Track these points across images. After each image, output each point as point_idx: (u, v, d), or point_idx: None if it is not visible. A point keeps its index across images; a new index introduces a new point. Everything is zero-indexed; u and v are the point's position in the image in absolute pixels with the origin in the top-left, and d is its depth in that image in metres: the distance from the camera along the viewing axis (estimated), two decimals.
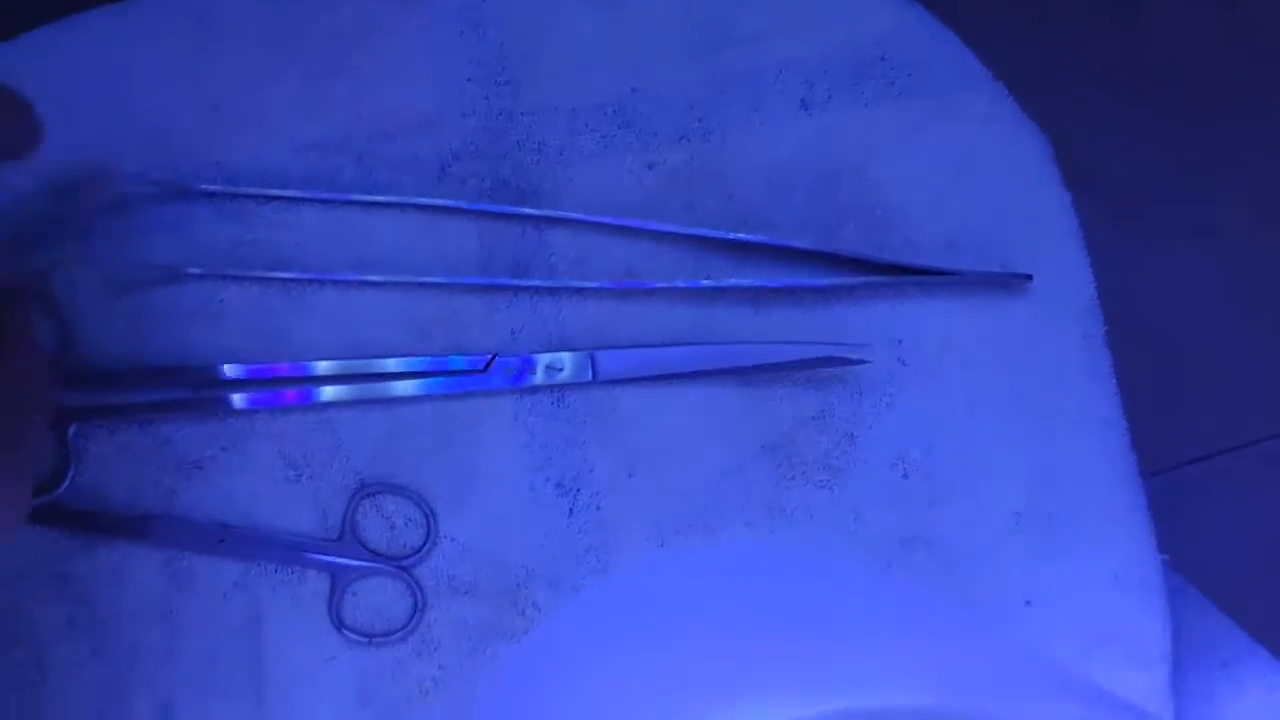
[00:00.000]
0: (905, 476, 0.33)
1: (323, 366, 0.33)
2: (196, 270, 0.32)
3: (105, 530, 0.32)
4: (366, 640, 0.32)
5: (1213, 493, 0.81)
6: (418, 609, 0.32)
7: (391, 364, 0.33)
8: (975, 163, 0.35)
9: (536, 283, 0.33)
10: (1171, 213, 0.80)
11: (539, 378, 0.33)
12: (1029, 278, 0.33)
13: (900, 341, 0.34)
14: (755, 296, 0.34)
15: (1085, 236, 0.35)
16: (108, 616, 0.32)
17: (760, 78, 0.35)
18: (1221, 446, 0.81)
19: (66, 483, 0.32)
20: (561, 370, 0.33)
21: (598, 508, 0.33)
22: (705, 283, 0.33)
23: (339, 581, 0.32)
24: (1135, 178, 0.79)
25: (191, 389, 0.32)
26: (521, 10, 0.34)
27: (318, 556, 0.32)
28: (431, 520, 0.33)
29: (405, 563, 0.32)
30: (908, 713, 0.31)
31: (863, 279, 0.33)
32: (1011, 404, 0.34)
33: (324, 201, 0.33)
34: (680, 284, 0.33)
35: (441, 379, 0.33)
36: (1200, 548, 0.75)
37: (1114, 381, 0.34)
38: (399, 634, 0.32)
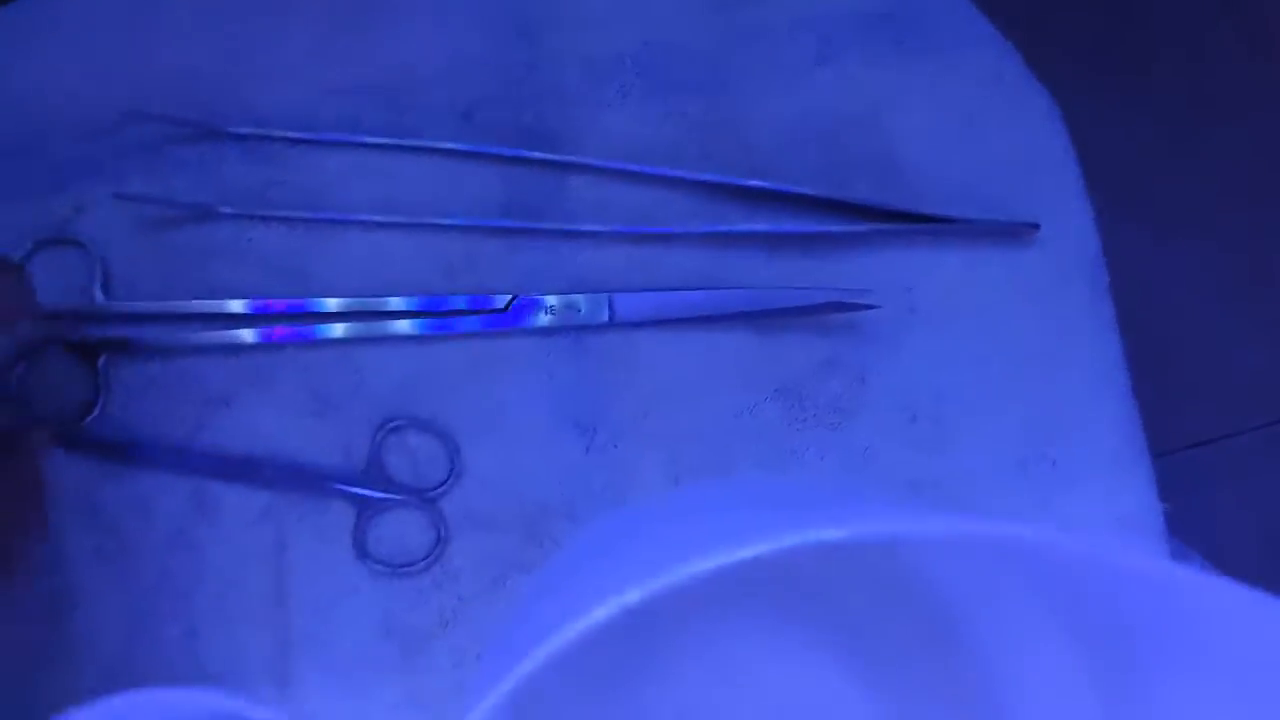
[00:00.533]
0: (914, 420, 0.34)
1: (347, 304, 0.34)
2: (226, 210, 0.33)
3: (133, 460, 0.33)
4: (389, 571, 0.33)
5: (1214, 476, 0.82)
6: (439, 541, 0.33)
7: (414, 303, 0.34)
8: (982, 118, 0.35)
9: (556, 226, 0.34)
10: (1176, 202, 0.81)
11: (558, 319, 0.34)
12: (1036, 227, 0.34)
13: (909, 289, 0.35)
14: (768, 243, 0.35)
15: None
16: (135, 545, 0.33)
17: (776, 33, 0.36)
18: (1224, 431, 0.82)
19: (95, 413, 0.33)
20: (580, 312, 0.34)
21: (614, 446, 0.34)
22: (720, 228, 0.34)
23: (363, 513, 0.33)
24: (1141, 167, 0.80)
25: (219, 325, 0.33)
26: None
27: (342, 488, 0.33)
28: (454, 455, 0.34)
29: (428, 496, 0.33)
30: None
31: (873, 227, 0.34)
32: (1017, 351, 0.35)
33: (349, 145, 0.34)
34: (696, 229, 0.34)
35: (463, 318, 0.34)
36: (1202, 530, 0.76)
37: (1117, 331, 0.35)
38: (420, 565, 0.33)
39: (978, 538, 0.20)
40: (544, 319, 0.34)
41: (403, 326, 0.34)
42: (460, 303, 0.34)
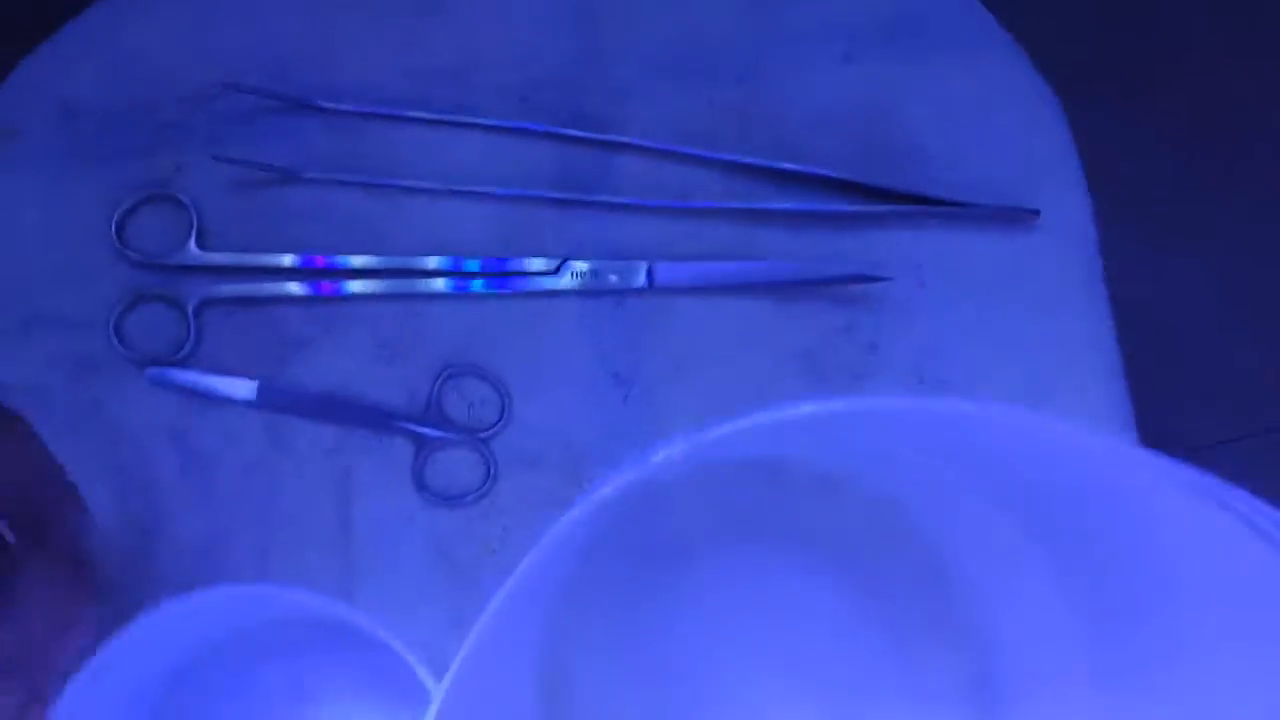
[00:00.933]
0: (921, 382, 0.38)
1: (413, 263, 0.37)
2: (309, 175, 0.37)
3: (217, 396, 0.37)
4: (443, 502, 0.37)
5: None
6: (489, 477, 0.37)
7: (473, 264, 0.38)
8: (993, 115, 0.39)
9: (603, 199, 0.38)
10: (1177, 213, 0.84)
11: (602, 283, 0.38)
12: (1036, 213, 0.38)
13: (920, 265, 0.38)
14: (794, 220, 0.38)
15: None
16: (217, 472, 0.37)
17: (809, 33, 0.39)
18: (1220, 438, 0.85)
19: (185, 351, 0.37)
20: (622, 278, 0.38)
21: (648, 398, 0.38)
22: (752, 205, 0.38)
23: (421, 450, 0.37)
24: (1143, 179, 0.83)
25: (299, 278, 0.37)
26: None
27: (404, 426, 0.37)
28: (505, 401, 0.37)
29: (481, 436, 0.37)
30: None
31: (889, 208, 0.38)
32: (1016, 326, 0.38)
33: (420, 121, 0.38)
34: (730, 205, 0.38)
35: (517, 279, 0.38)
36: None
37: (1109, 310, 0.39)
38: (471, 498, 0.37)
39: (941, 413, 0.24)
40: (590, 282, 0.38)
41: (463, 284, 0.37)
42: (515, 265, 0.38)
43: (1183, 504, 0.24)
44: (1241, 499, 0.23)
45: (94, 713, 0.33)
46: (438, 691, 0.24)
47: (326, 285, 0.37)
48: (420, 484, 0.37)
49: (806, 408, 0.21)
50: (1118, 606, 0.32)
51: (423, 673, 0.29)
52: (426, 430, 0.37)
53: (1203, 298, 0.84)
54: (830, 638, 0.38)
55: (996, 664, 0.37)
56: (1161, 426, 0.39)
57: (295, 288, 0.37)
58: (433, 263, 0.37)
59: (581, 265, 0.38)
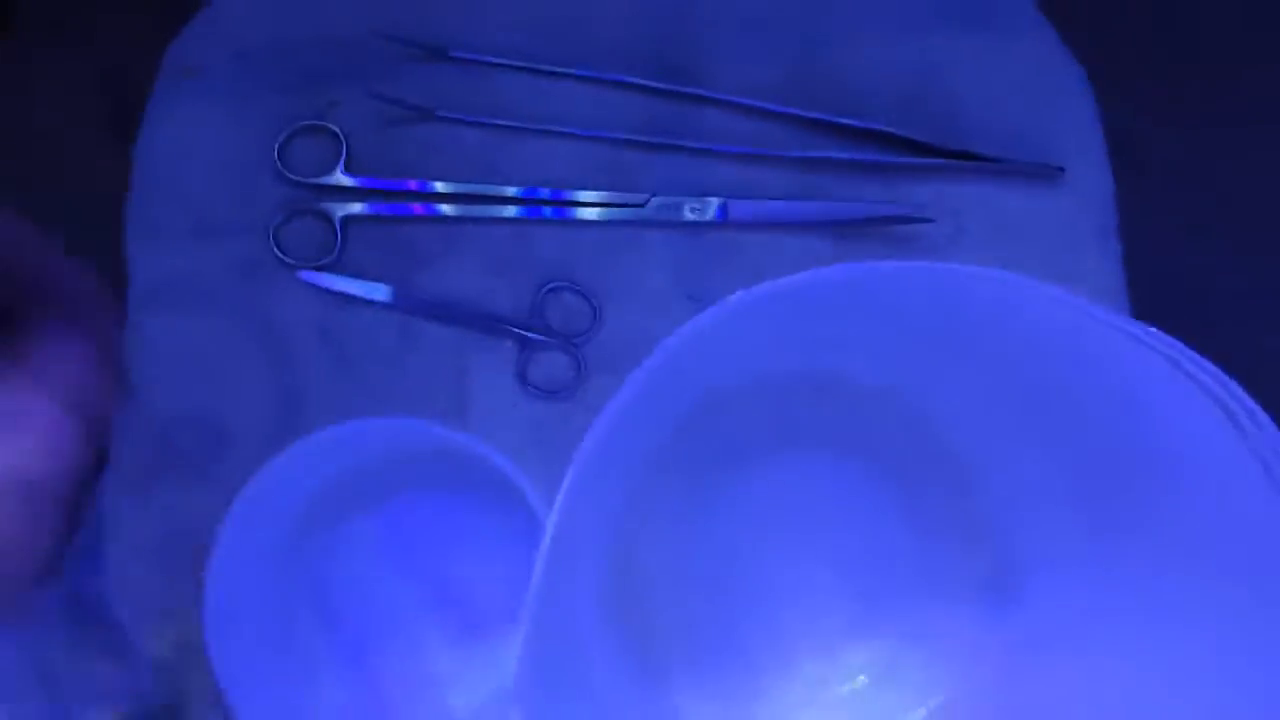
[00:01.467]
0: None
1: (523, 193, 0.44)
2: (441, 114, 0.44)
3: (358, 299, 0.44)
4: (541, 395, 0.44)
5: None
6: (580, 376, 0.44)
7: (574, 195, 0.44)
8: (1026, 83, 0.45)
9: (686, 144, 0.44)
10: (1220, 213, 0.87)
11: (683, 215, 0.44)
12: (1061, 170, 0.44)
13: (959, 212, 0.44)
14: (851, 168, 0.44)
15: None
16: (356, 361, 0.44)
17: (871, 6, 0.45)
18: None
19: (331, 259, 0.44)
20: (700, 211, 0.44)
21: None
22: (814, 154, 0.44)
23: (524, 350, 0.44)
24: (1189, 180, 0.86)
25: (429, 201, 0.44)
26: None
27: (511, 330, 0.44)
28: (596, 312, 0.44)
29: (574, 341, 0.44)
30: None
31: (933, 161, 0.44)
32: (1039, 270, 0.44)
33: (535, 71, 0.45)
34: (795, 154, 0.44)
35: (611, 209, 0.44)
36: None
37: (1121, 261, 0.45)
38: (564, 393, 0.44)
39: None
40: (671, 215, 0.44)
41: (565, 212, 0.44)
42: (608, 197, 0.44)
43: (1169, 381, 0.30)
44: (1211, 373, 0.29)
45: (246, 542, 0.40)
46: (553, 512, 0.31)
47: (447, 209, 0.44)
48: (523, 379, 0.44)
49: (826, 273, 0.27)
50: (1115, 496, 0.38)
51: (536, 504, 0.36)
52: (529, 334, 0.44)
53: (1234, 280, 0.87)
54: (864, 533, 0.44)
55: (1009, 561, 0.43)
56: None
57: (423, 209, 0.44)
58: (540, 193, 0.44)
59: (663, 200, 0.44)
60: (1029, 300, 0.30)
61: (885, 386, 0.42)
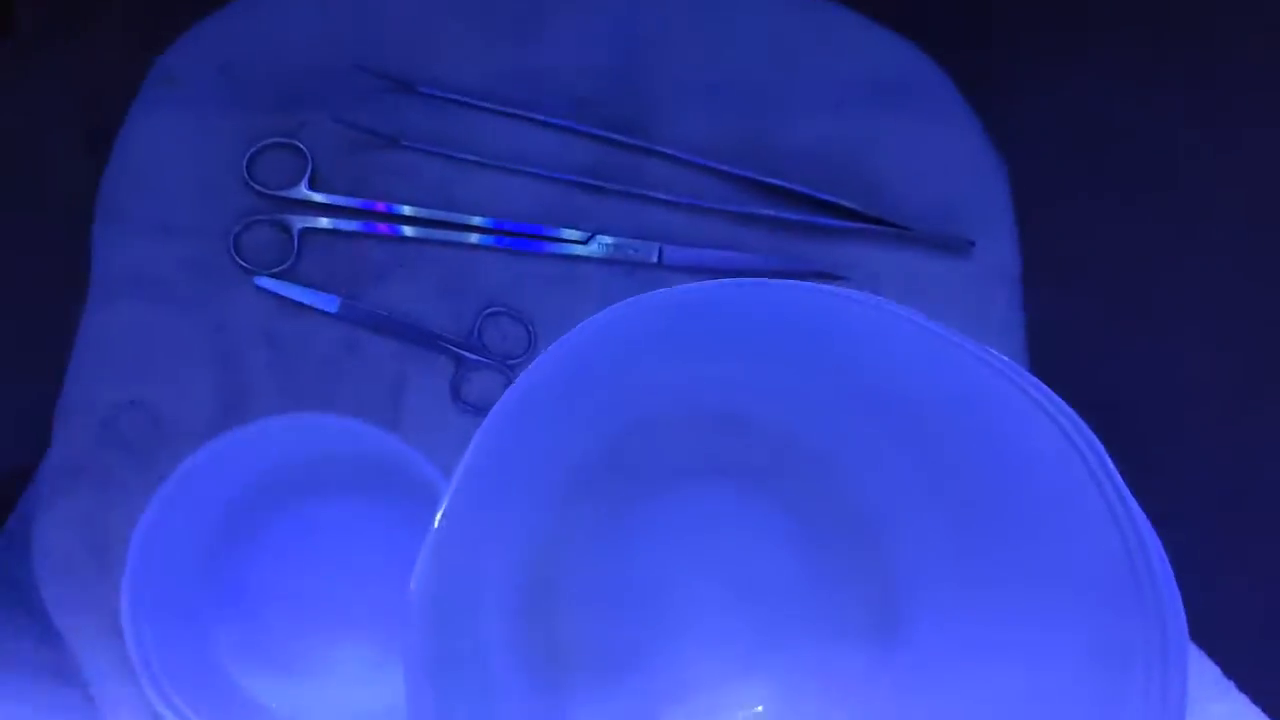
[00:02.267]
0: None
1: (477, 221, 0.47)
2: (405, 143, 0.47)
3: (307, 307, 0.47)
4: (474, 411, 0.46)
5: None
6: None
7: (523, 227, 0.47)
8: (948, 165, 0.49)
9: (631, 190, 0.48)
10: (1138, 303, 0.92)
11: (621, 255, 0.47)
12: (972, 243, 0.47)
13: (876, 275, 0.48)
14: (779, 226, 0.48)
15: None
16: (298, 367, 0.46)
17: (812, 81, 0.49)
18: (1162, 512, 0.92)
19: (286, 267, 0.47)
20: (637, 253, 0.47)
21: None
22: (747, 209, 0.47)
23: (460, 368, 0.46)
24: (1111, 270, 0.91)
25: (386, 221, 0.47)
26: (659, 9, 0.49)
27: (450, 348, 0.46)
28: (532, 338, 0.47)
29: (509, 363, 0.46)
30: None
31: (856, 225, 0.47)
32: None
33: (497, 112, 0.48)
34: (729, 208, 0.48)
35: (554, 244, 0.47)
36: None
37: (1024, 334, 0.48)
38: None
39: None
40: (611, 254, 0.47)
41: (510, 242, 0.47)
42: (553, 232, 0.47)
43: (1032, 423, 0.33)
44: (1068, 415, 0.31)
45: (170, 533, 0.42)
46: (444, 498, 0.32)
47: (404, 230, 0.47)
48: (456, 395, 0.46)
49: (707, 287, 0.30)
50: (989, 542, 0.40)
51: None
52: (467, 354, 0.46)
53: (1134, 358, 0.91)
54: (767, 568, 0.46)
55: (899, 603, 0.45)
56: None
57: (381, 228, 0.47)
58: (490, 223, 0.47)
59: (606, 239, 0.47)
60: (898, 325, 0.33)
61: (794, 430, 0.45)
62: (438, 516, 0.30)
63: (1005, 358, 0.32)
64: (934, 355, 0.34)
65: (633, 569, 0.46)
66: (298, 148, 0.47)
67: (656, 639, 0.45)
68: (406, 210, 0.47)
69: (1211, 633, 0.40)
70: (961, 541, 0.42)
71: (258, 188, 0.47)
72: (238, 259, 0.46)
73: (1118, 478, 0.31)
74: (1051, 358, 0.49)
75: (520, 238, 0.47)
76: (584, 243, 0.47)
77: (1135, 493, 0.32)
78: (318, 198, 0.47)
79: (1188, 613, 0.32)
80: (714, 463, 0.47)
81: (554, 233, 0.47)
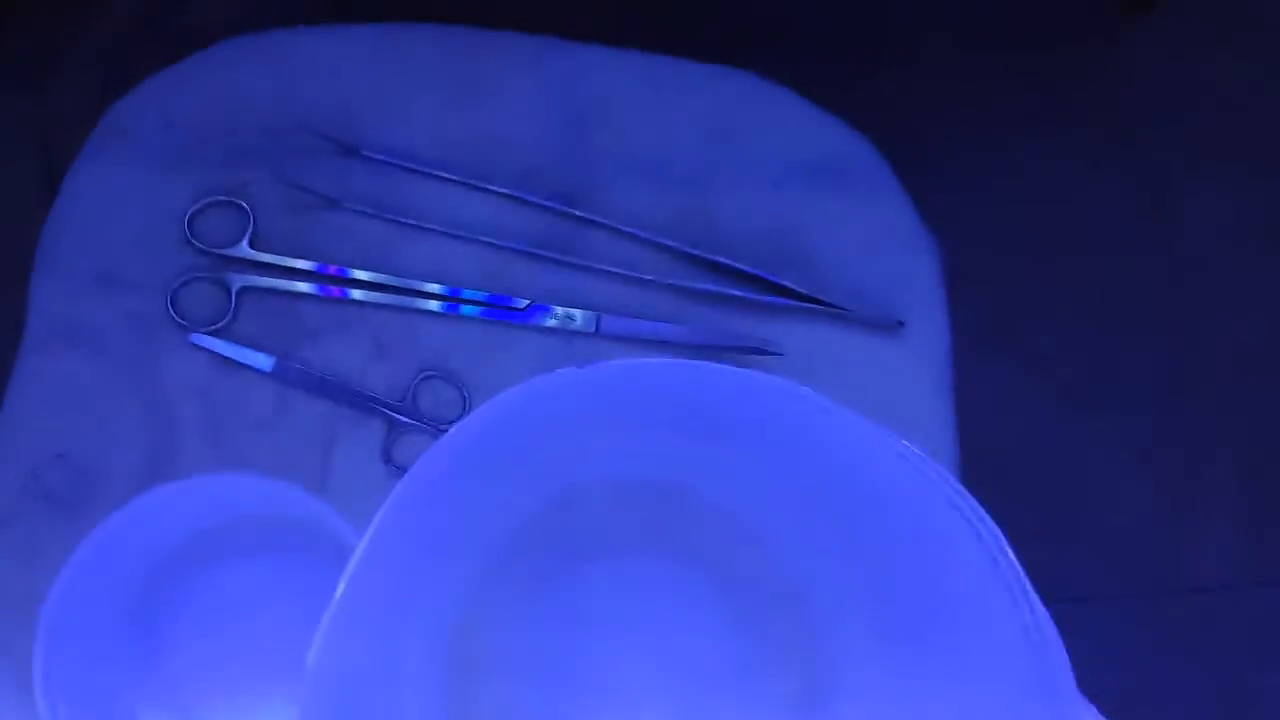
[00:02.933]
0: None
1: (417, 285, 0.48)
2: (348, 205, 0.48)
3: (240, 365, 0.47)
4: (403, 474, 0.46)
5: (1088, 634, 0.92)
6: None
7: (461, 293, 0.48)
8: (882, 245, 0.50)
9: (570, 260, 0.48)
10: (1082, 381, 0.94)
11: (558, 324, 0.48)
12: (902, 324, 0.48)
13: (811, 353, 0.48)
14: (716, 300, 0.49)
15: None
16: (229, 424, 0.46)
17: (751, 161, 0.50)
18: (1088, 593, 0.92)
19: (222, 325, 0.47)
20: (575, 322, 0.48)
21: None
22: (685, 283, 0.48)
23: (393, 431, 0.46)
24: (1055, 347, 0.92)
25: (323, 282, 0.47)
26: (602, 84, 0.50)
27: (383, 411, 0.46)
28: (467, 402, 0.47)
29: (442, 427, 0.47)
30: None
31: (790, 303, 0.48)
32: (878, 413, 0.48)
33: (440, 178, 0.49)
34: (668, 280, 0.48)
35: (492, 310, 0.48)
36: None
37: (953, 418, 0.49)
38: None
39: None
40: (549, 322, 0.48)
41: (449, 307, 0.47)
42: (492, 299, 0.48)
43: (942, 510, 0.34)
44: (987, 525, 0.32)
45: (88, 590, 0.41)
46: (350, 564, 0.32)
47: (341, 291, 0.47)
48: (388, 458, 0.46)
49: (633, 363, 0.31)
50: (905, 623, 0.41)
51: None
52: (399, 416, 0.46)
53: (1097, 459, 0.92)
54: (693, 638, 0.46)
55: (822, 676, 0.46)
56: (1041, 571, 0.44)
57: (317, 289, 0.47)
58: (430, 287, 0.48)
59: (545, 308, 0.48)
60: (821, 414, 0.34)
61: (729, 504, 0.45)
62: (341, 585, 0.30)
63: (917, 449, 0.33)
64: (857, 445, 0.35)
65: (558, 641, 0.45)
66: (240, 206, 0.48)
67: (581, 713, 0.45)
68: (347, 273, 0.47)
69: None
70: (886, 622, 0.43)
71: (199, 244, 0.47)
72: (175, 315, 0.46)
73: (1014, 562, 0.32)
74: (981, 434, 0.50)
75: (459, 303, 0.48)
76: (523, 310, 0.48)
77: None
78: (258, 256, 0.47)
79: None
80: (645, 534, 0.47)
81: (494, 299, 0.48)
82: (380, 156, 0.48)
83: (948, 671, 0.39)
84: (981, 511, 0.33)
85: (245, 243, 0.47)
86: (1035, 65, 0.93)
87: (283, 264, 0.47)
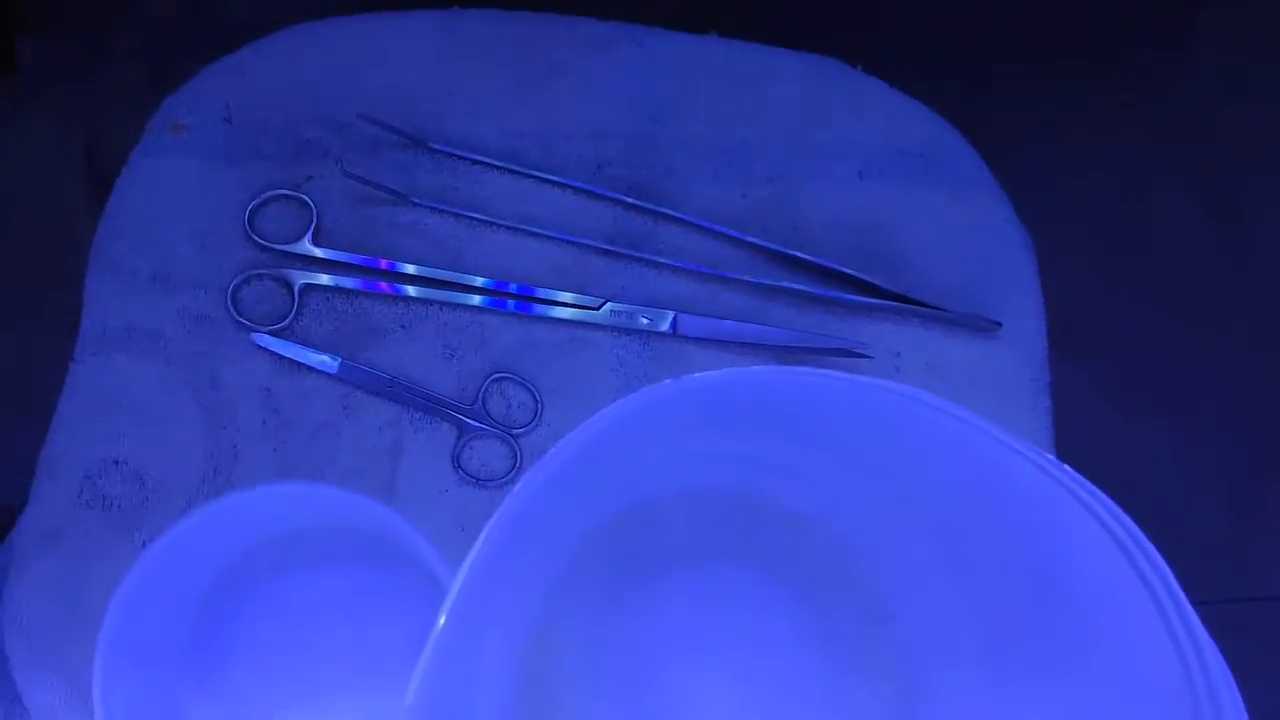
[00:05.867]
0: None
1: (485, 282, 0.45)
2: (414, 199, 0.46)
3: (304, 365, 0.45)
4: (473, 482, 0.44)
5: None
6: (515, 468, 0.44)
7: (534, 291, 0.45)
8: (974, 239, 0.47)
9: (646, 257, 0.46)
10: (1150, 388, 0.91)
11: (635, 323, 0.45)
12: (999, 324, 0.46)
13: (898, 353, 0.46)
14: (799, 299, 0.46)
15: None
16: (293, 428, 0.44)
17: (834, 152, 0.48)
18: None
19: (285, 324, 0.45)
20: (651, 322, 0.45)
21: None
22: (767, 281, 0.46)
23: (462, 436, 0.44)
24: (1121, 354, 0.90)
25: (390, 279, 0.45)
26: (679, 74, 0.48)
27: (452, 414, 0.44)
28: (539, 407, 0.45)
29: (514, 432, 0.44)
30: None
31: (878, 302, 0.46)
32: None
33: (511, 171, 0.47)
34: (748, 278, 0.46)
35: (566, 309, 0.45)
36: None
37: (1050, 418, 0.46)
38: (497, 482, 0.44)
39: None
40: (623, 321, 0.45)
41: (520, 305, 0.45)
42: (566, 298, 0.45)
43: (1078, 525, 0.31)
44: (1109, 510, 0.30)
45: (149, 602, 0.40)
46: (451, 591, 0.31)
47: (408, 289, 0.45)
48: (457, 464, 0.44)
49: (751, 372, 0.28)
50: (1019, 642, 0.38)
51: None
52: (470, 421, 0.44)
53: (1163, 467, 0.90)
54: (774, 654, 0.44)
55: (913, 694, 0.43)
56: None
57: (384, 287, 0.45)
58: (500, 285, 0.45)
59: (619, 306, 0.45)
60: (942, 423, 0.31)
61: (810, 513, 0.43)
62: (440, 621, 0.28)
63: (1064, 465, 0.30)
64: (977, 452, 0.32)
65: (634, 649, 0.43)
66: (303, 200, 0.46)
67: None
68: (412, 269, 0.45)
69: None
70: (986, 635, 0.40)
71: (260, 241, 0.45)
72: (235, 314, 0.45)
73: (1175, 587, 0.30)
74: (1078, 441, 0.47)
75: (530, 301, 0.45)
76: (596, 309, 0.45)
77: None
78: (321, 253, 0.45)
79: None
80: (721, 544, 0.45)
81: (565, 298, 0.45)
82: (447, 149, 0.46)
83: (1069, 692, 0.36)
84: (1136, 532, 0.30)
85: (308, 239, 0.45)
86: (1106, 57, 0.90)
87: (347, 261, 0.45)
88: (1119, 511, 0.30)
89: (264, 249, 0.45)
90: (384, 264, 0.45)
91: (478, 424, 0.44)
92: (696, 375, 0.30)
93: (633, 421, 0.32)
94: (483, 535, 0.29)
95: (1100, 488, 0.36)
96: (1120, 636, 0.33)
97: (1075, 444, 0.45)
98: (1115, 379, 0.89)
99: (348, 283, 0.45)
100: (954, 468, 0.34)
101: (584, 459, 0.31)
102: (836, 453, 0.39)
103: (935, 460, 0.35)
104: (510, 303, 0.45)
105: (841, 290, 0.46)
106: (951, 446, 0.34)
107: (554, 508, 0.36)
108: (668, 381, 0.30)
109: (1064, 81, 0.89)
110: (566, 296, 0.45)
